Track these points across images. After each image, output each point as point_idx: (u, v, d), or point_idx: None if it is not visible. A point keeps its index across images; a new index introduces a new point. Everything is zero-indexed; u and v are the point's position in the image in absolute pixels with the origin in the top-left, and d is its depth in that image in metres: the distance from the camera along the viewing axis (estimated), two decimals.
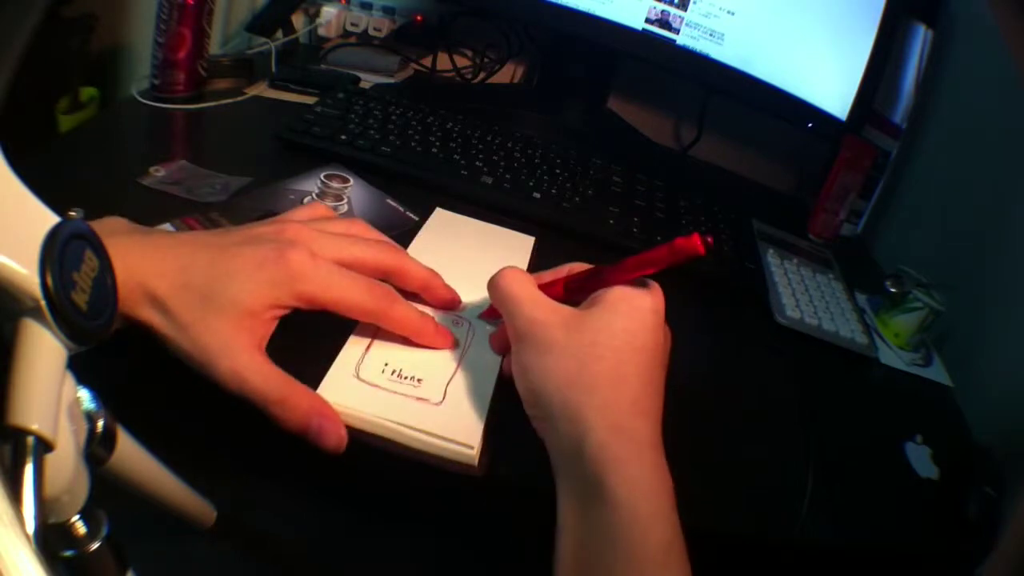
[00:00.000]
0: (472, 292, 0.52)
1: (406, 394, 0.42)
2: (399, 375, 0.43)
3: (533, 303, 0.40)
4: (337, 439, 0.38)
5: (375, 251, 0.44)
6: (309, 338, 0.41)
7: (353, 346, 0.44)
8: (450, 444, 0.40)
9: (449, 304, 0.49)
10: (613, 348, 0.37)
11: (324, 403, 0.39)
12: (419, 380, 0.43)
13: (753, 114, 0.91)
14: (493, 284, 0.43)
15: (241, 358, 0.37)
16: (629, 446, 0.34)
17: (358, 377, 0.42)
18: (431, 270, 0.47)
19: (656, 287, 0.40)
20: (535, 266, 0.60)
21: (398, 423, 0.40)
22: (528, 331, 0.39)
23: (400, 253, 0.46)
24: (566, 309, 0.40)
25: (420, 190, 0.69)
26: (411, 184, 0.70)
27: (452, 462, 0.40)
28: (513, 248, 0.63)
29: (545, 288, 0.43)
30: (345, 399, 0.40)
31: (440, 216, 0.65)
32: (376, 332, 0.45)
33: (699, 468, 0.45)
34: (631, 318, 0.38)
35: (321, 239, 0.41)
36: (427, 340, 0.45)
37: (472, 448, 0.40)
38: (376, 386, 0.42)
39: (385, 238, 0.47)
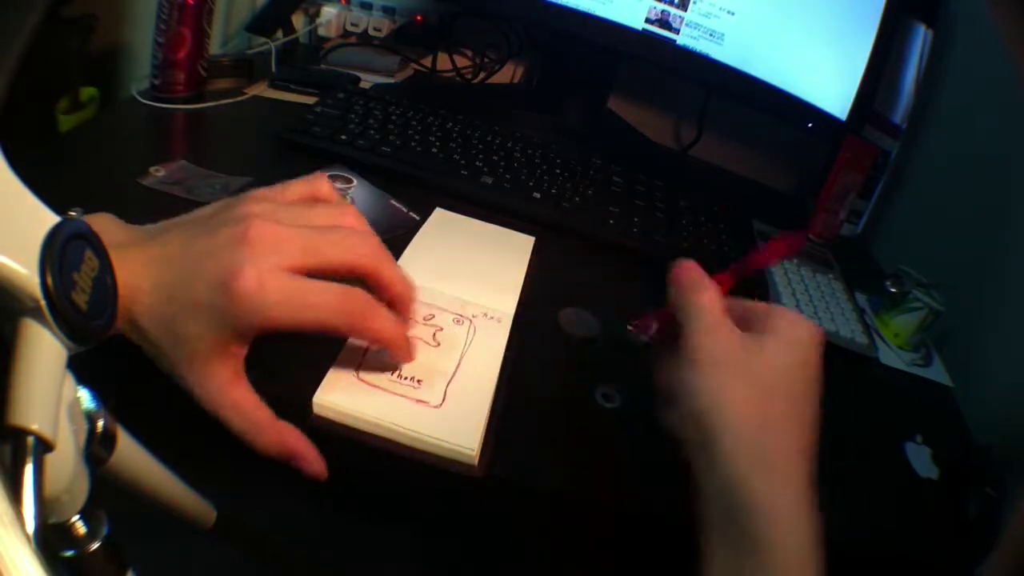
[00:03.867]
0: (472, 292, 0.52)
1: (406, 395, 0.42)
2: (399, 376, 0.43)
3: (718, 320, 0.37)
4: (315, 473, 0.38)
5: (351, 252, 0.38)
6: (309, 336, 0.41)
7: (354, 344, 0.44)
8: (450, 446, 0.40)
9: (404, 327, 0.43)
10: (791, 384, 0.35)
11: (298, 440, 0.38)
12: (419, 381, 0.43)
13: (753, 114, 0.91)
14: (678, 283, 0.40)
15: (211, 392, 0.36)
16: (797, 493, 0.33)
17: (359, 378, 0.42)
18: (409, 283, 0.42)
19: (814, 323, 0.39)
20: (534, 266, 0.61)
21: (398, 426, 0.40)
22: (711, 350, 0.36)
23: (381, 255, 0.40)
24: (740, 333, 0.38)
25: (420, 190, 0.69)
26: (411, 184, 0.70)
27: (452, 463, 0.40)
28: (513, 247, 0.63)
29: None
30: (345, 401, 0.41)
31: (440, 216, 0.65)
32: None
33: None
34: (806, 351, 0.37)
35: (284, 241, 0.36)
36: (401, 355, 0.43)
37: (472, 450, 0.40)
38: (376, 387, 0.42)
39: (372, 233, 0.42)
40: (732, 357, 0.36)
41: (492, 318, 0.51)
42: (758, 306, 0.40)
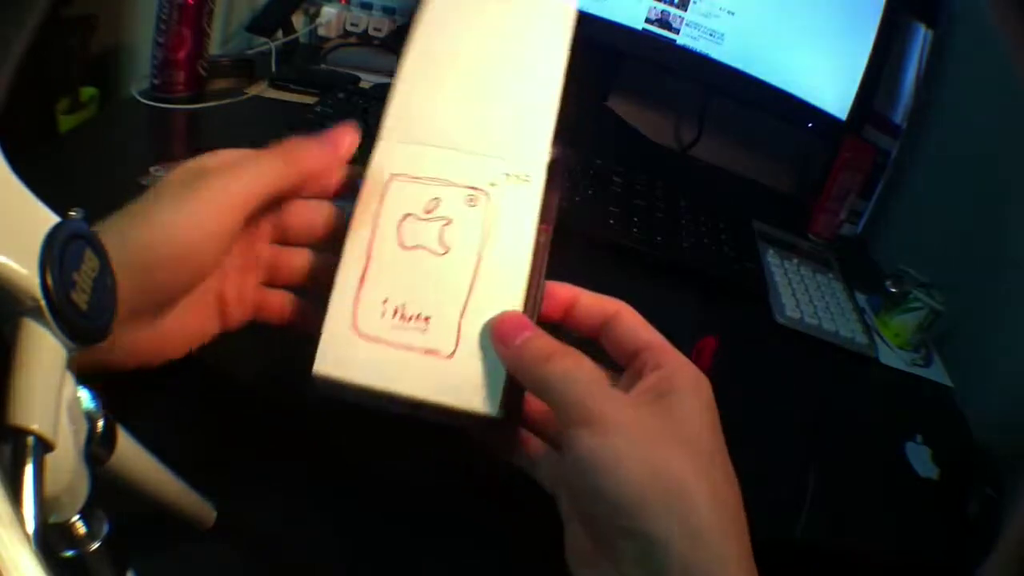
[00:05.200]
0: (488, 131, 0.37)
1: (412, 346, 0.33)
2: (402, 315, 0.33)
3: (594, 378, 0.30)
4: (350, 140, 0.36)
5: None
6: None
7: (345, 280, 0.34)
8: (467, 409, 0.32)
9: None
10: (718, 438, 0.30)
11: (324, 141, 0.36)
12: (427, 319, 0.33)
13: (753, 114, 0.91)
14: (521, 358, 0.31)
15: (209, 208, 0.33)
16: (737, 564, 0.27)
17: (358, 331, 0.33)
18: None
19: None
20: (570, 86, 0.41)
21: (406, 396, 0.32)
22: (599, 413, 0.28)
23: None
24: (627, 395, 0.30)
25: None
26: None
27: (470, 419, 0.33)
28: (541, 25, 0.41)
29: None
30: (347, 368, 0.33)
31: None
32: (368, 256, 0.35)
33: None
34: (712, 408, 0.31)
35: None
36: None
37: (492, 413, 0.32)
38: (378, 340, 0.33)
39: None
40: (635, 416, 0.28)
41: (518, 177, 0.37)
42: (667, 366, 0.31)
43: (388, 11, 1.03)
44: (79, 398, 0.28)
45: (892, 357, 0.72)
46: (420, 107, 0.38)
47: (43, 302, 0.22)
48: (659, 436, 0.28)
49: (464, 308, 0.34)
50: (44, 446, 0.21)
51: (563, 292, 0.35)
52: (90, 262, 0.24)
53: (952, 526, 0.53)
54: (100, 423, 0.30)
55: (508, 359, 0.31)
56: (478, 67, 0.39)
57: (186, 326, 0.36)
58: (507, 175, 0.36)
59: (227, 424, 0.51)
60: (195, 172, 0.33)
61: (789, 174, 1.10)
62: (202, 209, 0.32)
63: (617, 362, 0.33)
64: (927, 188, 0.92)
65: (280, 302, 0.38)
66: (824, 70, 0.86)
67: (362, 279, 0.34)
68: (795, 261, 0.81)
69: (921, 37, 0.89)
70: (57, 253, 0.22)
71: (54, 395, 0.23)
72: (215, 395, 0.52)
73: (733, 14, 0.84)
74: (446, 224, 0.35)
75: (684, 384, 0.30)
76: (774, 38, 0.85)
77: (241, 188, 0.33)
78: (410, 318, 0.34)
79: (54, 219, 0.23)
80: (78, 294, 0.23)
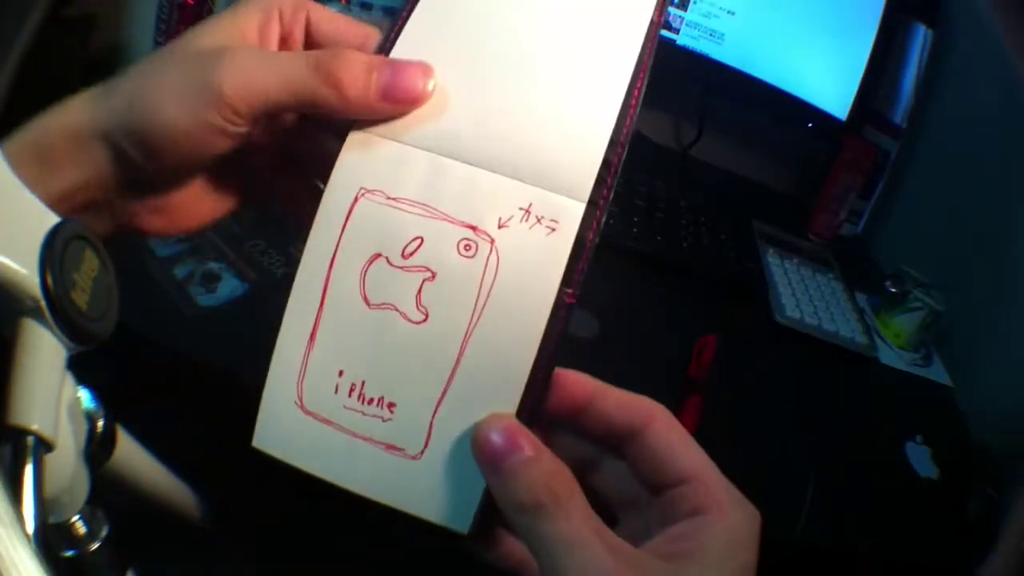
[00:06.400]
0: (520, 129, 0.25)
1: (370, 437, 0.25)
2: (361, 395, 0.25)
3: (592, 539, 0.22)
4: (423, 81, 0.25)
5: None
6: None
7: (290, 334, 0.26)
8: (434, 521, 0.25)
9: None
10: None
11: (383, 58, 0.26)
12: (390, 406, 0.25)
13: (753, 114, 0.91)
14: (521, 503, 0.23)
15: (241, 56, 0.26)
16: None
17: (303, 407, 0.26)
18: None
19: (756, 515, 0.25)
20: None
21: (358, 494, 0.26)
22: None
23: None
24: (633, 554, 0.23)
25: None
26: None
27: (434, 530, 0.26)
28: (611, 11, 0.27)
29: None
30: (289, 450, 0.26)
31: None
32: (321, 305, 0.26)
33: None
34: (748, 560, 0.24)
35: None
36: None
37: (465, 529, 0.25)
38: (328, 422, 0.25)
39: None
40: None
41: (542, 220, 0.25)
42: (672, 489, 0.25)
43: (388, 11, 1.03)
44: (79, 398, 0.28)
45: (892, 357, 0.72)
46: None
47: (43, 302, 0.22)
48: None
49: (440, 399, 0.25)
50: (44, 446, 0.21)
51: (578, 386, 0.26)
52: (90, 262, 0.24)
53: (952, 526, 0.53)
54: (100, 423, 0.30)
55: (492, 485, 0.24)
56: (508, 41, 0.26)
57: (200, 201, 0.31)
58: (526, 213, 0.25)
59: (227, 424, 0.51)
60: (206, 55, 0.26)
61: (789, 174, 1.10)
62: (205, 110, 0.25)
63: (643, 483, 0.26)
64: (927, 188, 0.92)
65: (304, 201, 0.30)
66: (824, 70, 0.86)
67: (312, 337, 0.26)
68: (795, 261, 0.81)
69: (921, 37, 0.89)
70: (57, 253, 0.22)
71: (54, 395, 0.23)
72: (216, 396, 0.52)
73: (733, 14, 0.84)
74: (428, 279, 0.25)
75: (715, 547, 0.23)
76: (774, 38, 0.85)
77: (255, 94, 0.26)
78: (370, 401, 0.25)
79: (54, 219, 0.23)
80: (78, 294, 0.23)
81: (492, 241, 0.25)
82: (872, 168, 0.91)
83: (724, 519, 0.24)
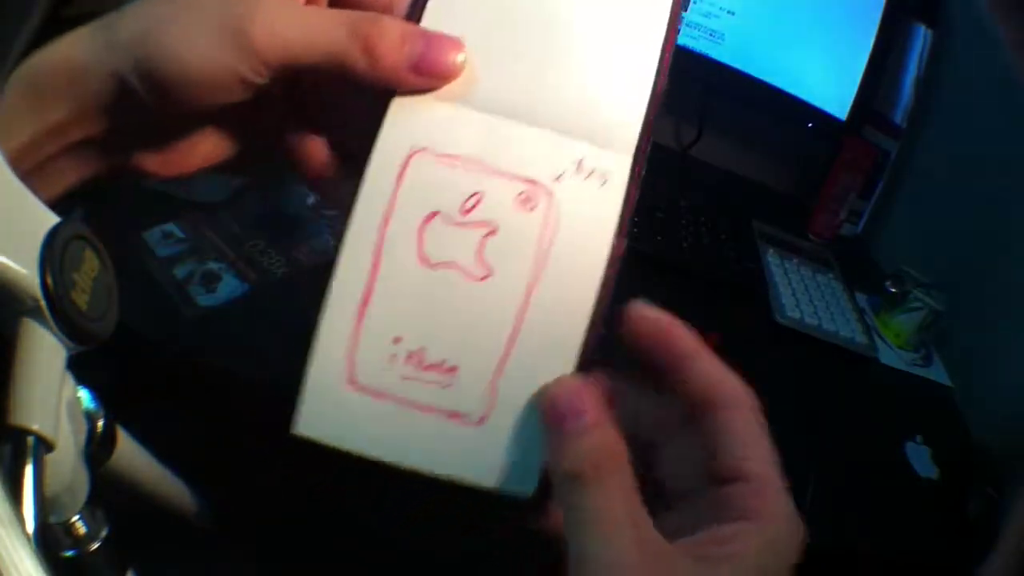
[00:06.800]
0: (555, 100, 0.25)
1: (431, 406, 0.24)
2: (419, 361, 0.24)
3: (623, 525, 0.21)
4: (454, 55, 0.25)
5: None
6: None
7: (338, 306, 0.24)
8: (500, 490, 0.25)
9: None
10: None
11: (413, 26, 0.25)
12: (451, 369, 0.24)
13: (753, 114, 0.91)
14: (553, 443, 0.23)
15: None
16: None
17: (355, 382, 0.25)
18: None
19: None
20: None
21: (418, 471, 0.25)
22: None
23: None
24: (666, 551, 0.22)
25: None
26: None
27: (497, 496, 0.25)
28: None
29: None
30: (338, 431, 0.25)
31: None
32: (374, 270, 0.25)
33: None
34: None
35: None
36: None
37: (527, 493, 0.24)
38: (383, 395, 0.24)
39: None
40: None
41: (592, 173, 0.26)
42: (728, 485, 0.24)
43: None
44: (79, 398, 0.28)
45: (892, 357, 0.72)
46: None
47: (43, 302, 0.22)
48: None
49: (504, 358, 0.24)
50: (44, 446, 0.21)
51: (680, 341, 0.25)
52: (90, 262, 0.24)
53: (952, 526, 0.53)
54: (100, 423, 0.30)
55: (549, 448, 0.23)
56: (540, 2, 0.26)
57: (199, 144, 0.30)
58: (580, 166, 0.25)
59: (227, 424, 0.51)
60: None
61: (789, 174, 1.10)
62: (231, 57, 0.24)
63: (704, 468, 0.25)
64: (927, 188, 0.92)
65: (319, 155, 0.30)
66: (824, 70, 0.86)
67: (363, 306, 0.24)
68: (795, 261, 0.81)
69: (921, 37, 0.89)
70: (57, 253, 0.22)
71: (54, 395, 0.23)
72: (216, 396, 0.52)
73: (733, 14, 0.84)
74: (489, 234, 0.25)
75: (752, 558, 0.23)
76: (774, 38, 0.85)
77: (286, 49, 0.25)
78: (430, 367, 0.24)
79: (54, 219, 0.23)
80: (78, 294, 0.23)
81: (551, 194, 0.25)
82: (872, 168, 0.91)
83: (768, 530, 0.23)
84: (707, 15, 0.84)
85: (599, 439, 0.22)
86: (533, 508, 0.25)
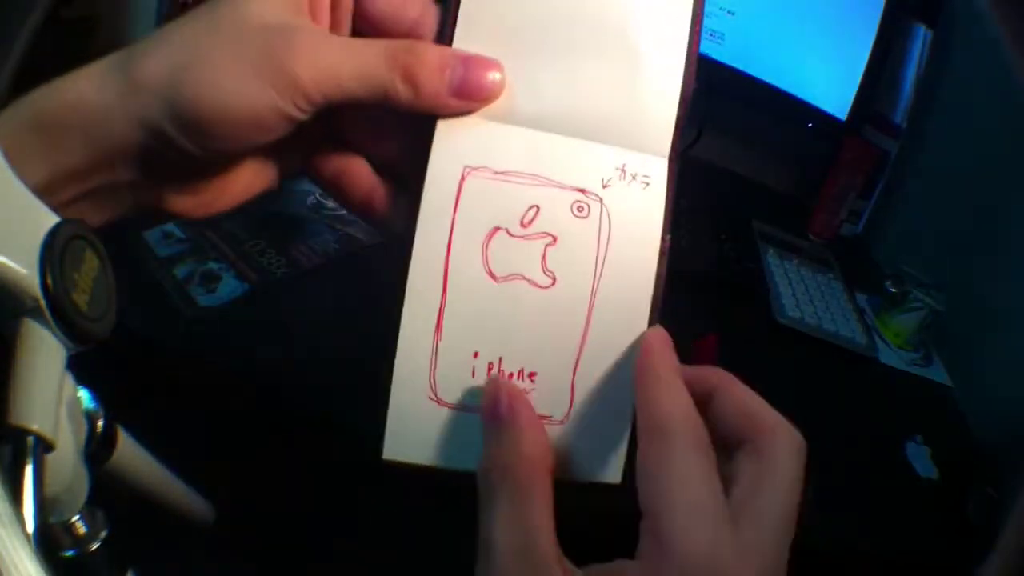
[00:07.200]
0: (590, 113, 0.26)
1: None
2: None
3: (712, 478, 0.23)
4: (493, 76, 0.25)
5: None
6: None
7: (413, 328, 0.25)
8: (587, 482, 0.26)
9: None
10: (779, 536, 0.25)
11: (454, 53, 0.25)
12: (532, 375, 0.26)
13: (753, 114, 0.91)
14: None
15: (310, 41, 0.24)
16: None
17: (438, 399, 0.25)
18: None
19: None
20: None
21: None
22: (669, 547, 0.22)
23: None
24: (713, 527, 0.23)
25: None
26: None
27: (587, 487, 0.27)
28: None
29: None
30: (428, 450, 0.25)
31: None
32: (444, 290, 0.25)
33: None
34: (796, 491, 0.26)
35: None
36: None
37: (615, 481, 0.26)
38: (468, 408, 0.25)
39: None
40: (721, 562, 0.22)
41: (635, 177, 0.27)
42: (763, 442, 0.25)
43: None
44: (79, 398, 0.28)
45: (892, 357, 0.72)
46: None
47: (43, 302, 0.22)
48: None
49: (578, 357, 0.26)
50: (44, 446, 0.21)
51: (698, 382, 0.26)
52: (90, 262, 0.24)
53: (952, 526, 0.53)
54: (100, 423, 0.30)
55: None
56: (567, 13, 0.26)
57: (235, 181, 0.29)
58: (624, 172, 0.26)
59: (227, 424, 0.51)
60: (273, 32, 0.24)
61: (789, 174, 1.10)
62: (275, 96, 0.24)
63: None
64: (927, 188, 0.92)
65: (365, 178, 0.29)
66: (824, 70, 0.86)
67: (438, 325, 0.25)
68: (795, 261, 0.81)
69: (921, 37, 0.89)
70: (57, 253, 0.22)
71: (54, 395, 0.23)
72: (216, 396, 0.52)
73: (733, 14, 0.84)
74: (550, 244, 0.26)
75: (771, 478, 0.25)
76: (774, 38, 0.85)
77: (330, 84, 0.24)
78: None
79: (54, 219, 0.23)
80: (78, 294, 0.23)
81: (601, 200, 0.26)
82: (872, 168, 0.91)
83: (786, 454, 0.25)
84: (707, 15, 0.84)
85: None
86: (627, 489, 0.24)
